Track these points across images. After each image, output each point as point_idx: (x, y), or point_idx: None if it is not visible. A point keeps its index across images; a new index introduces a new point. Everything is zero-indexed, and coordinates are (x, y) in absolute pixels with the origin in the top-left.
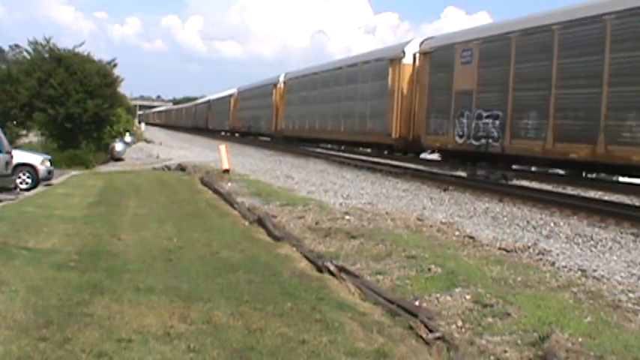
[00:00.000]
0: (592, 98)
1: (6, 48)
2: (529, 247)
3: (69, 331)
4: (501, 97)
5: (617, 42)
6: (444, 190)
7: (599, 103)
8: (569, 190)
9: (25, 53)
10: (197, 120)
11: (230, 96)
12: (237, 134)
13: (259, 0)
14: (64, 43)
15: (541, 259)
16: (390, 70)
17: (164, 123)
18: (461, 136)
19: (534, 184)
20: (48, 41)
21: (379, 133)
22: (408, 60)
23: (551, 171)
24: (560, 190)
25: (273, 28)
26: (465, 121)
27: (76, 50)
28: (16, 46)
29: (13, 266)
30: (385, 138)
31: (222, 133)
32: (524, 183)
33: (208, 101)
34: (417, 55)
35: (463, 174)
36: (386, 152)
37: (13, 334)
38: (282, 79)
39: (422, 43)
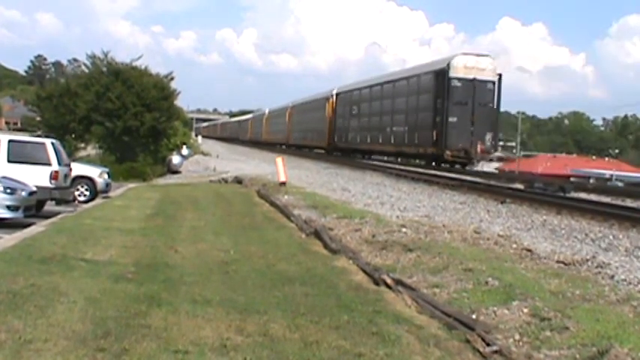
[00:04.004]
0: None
1: (65, 62)
2: (587, 260)
3: (126, 342)
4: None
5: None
6: (501, 203)
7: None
8: (629, 203)
9: (83, 67)
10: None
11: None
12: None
13: (314, 13)
14: (122, 56)
15: (600, 273)
16: None
17: (209, 134)
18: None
19: (592, 197)
20: (106, 55)
21: None
22: None
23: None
24: (619, 202)
25: (328, 40)
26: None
27: (134, 64)
28: (75, 60)
29: (71, 277)
30: None
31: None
32: (583, 195)
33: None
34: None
35: (520, 186)
36: None
37: (71, 344)
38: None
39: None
